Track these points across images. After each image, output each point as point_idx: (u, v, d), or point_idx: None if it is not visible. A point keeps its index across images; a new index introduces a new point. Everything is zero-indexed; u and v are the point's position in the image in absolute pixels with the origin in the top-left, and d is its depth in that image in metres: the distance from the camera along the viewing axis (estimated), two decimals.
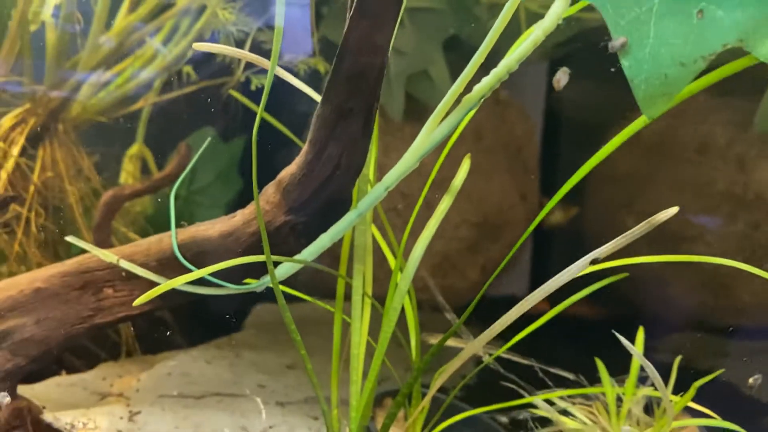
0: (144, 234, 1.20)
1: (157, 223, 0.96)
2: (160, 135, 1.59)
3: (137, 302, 0.83)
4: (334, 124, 0.78)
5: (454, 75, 0.79)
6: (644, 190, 1.63)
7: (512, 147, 1.77)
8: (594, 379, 1.06)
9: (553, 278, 0.83)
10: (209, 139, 1.32)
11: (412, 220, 0.97)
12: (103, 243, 1.33)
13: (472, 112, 0.87)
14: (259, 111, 0.74)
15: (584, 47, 1.46)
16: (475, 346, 0.87)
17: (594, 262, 0.82)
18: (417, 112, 1.59)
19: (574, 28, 1.56)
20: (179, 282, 0.84)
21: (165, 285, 0.83)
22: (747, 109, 1.51)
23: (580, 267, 0.82)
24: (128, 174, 1.56)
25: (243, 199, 1.14)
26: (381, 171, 0.85)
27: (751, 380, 0.96)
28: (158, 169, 1.57)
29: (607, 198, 1.71)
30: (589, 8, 0.78)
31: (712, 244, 1.55)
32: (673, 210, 0.79)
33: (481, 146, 1.70)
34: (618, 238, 0.81)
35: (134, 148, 1.57)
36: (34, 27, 1.36)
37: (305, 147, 0.82)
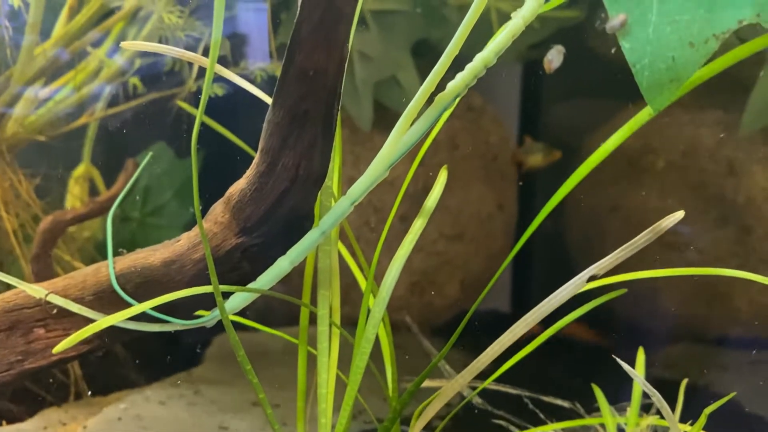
0: (92, 263, 1.10)
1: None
2: (108, 153, 1.46)
3: (57, 349, 0.71)
4: (287, 130, 0.67)
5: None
6: (630, 195, 1.55)
7: (488, 155, 1.68)
8: (591, 409, 0.96)
9: (547, 299, 0.73)
10: (150, 154, 1.20)
11: (383, 236, 0.87)
12: (44, 275, 1.19)
13: (446, 113, 0.77)
14: (198, 114, 0.63)
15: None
16: (458, 383, 0.76)
17: (592, 278, 0.73)
18: (386, 121, 1.50)
19: (550, 29, 1.49)
20: (115, 320, 0.73)
21: (96, 324, 0.72)
22: (734, 108, 1.44)
23: (576, 285, 0.72)
24: (75, 197, 1.43)
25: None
26: (350, 185, 0.75)
27: None
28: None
29: (591, 204, 1.63)
30: (566, 6, 0.68)
31: (704, 251, 1.47)
32: (679, 214, 0.70)
33: (456, 155, 1.61)
34: (618, 250, 0.71)
35: (80, 169, 1.44)
36: None
37: (256, 157, 0.71)
